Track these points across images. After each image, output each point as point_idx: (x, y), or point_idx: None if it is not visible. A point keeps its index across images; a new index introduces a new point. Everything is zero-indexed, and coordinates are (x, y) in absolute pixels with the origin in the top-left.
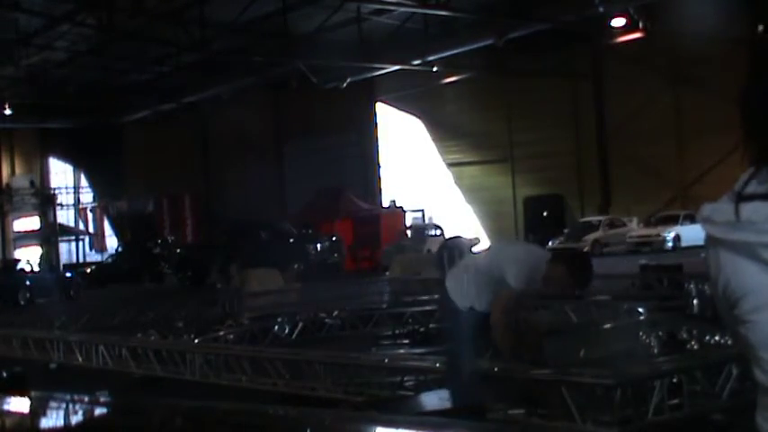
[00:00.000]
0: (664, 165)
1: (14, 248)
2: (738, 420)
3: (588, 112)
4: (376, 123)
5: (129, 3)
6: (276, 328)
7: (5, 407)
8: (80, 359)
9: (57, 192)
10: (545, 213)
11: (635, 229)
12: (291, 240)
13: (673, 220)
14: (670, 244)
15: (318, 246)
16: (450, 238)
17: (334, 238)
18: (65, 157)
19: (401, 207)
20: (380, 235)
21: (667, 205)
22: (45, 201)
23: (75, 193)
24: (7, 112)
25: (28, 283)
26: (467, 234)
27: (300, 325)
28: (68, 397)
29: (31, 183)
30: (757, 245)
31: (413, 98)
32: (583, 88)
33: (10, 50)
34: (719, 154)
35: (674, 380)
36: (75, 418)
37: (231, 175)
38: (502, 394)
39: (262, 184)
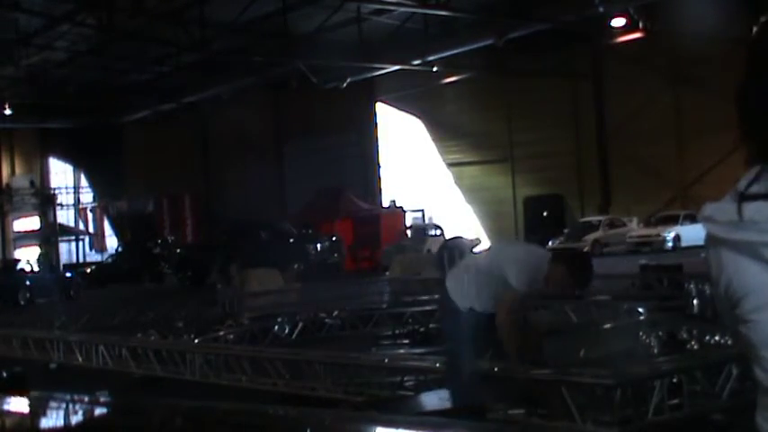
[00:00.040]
0: (664, 165)
1: (14, 248)
2: (738, 420)
3: (588, 112)
4: (376, 123)
5: (129, 3)
6: (276, 328)
7: (5, 407)
8: (80, 359)
9: (57, 192)
10: (545, 213)
11: (635, 229)
12: (291, 240)
13: (673, 220)
14: (670, 244)
15: (318, 246)
16: (451, 239)
17: (334, 238)
18: (65, 157)
19: (401, 207)
20: (380, 235)
21: (667, 205)
22: (45, 201)
23: (75, 193)
24: (7, 112)
25: (28, 283)
26: (467, 234)
27: (300, 325)
28: (68, 397)
29: (31, 183)
30: (759, 244)
31: (413, 98)
32: (583, 88)
33: (10, 50)
34: (719, 154)
35: (674, 380)
36: (75, 418)
37: (231, 175)
38: (502, 394)
39: (262, 184)
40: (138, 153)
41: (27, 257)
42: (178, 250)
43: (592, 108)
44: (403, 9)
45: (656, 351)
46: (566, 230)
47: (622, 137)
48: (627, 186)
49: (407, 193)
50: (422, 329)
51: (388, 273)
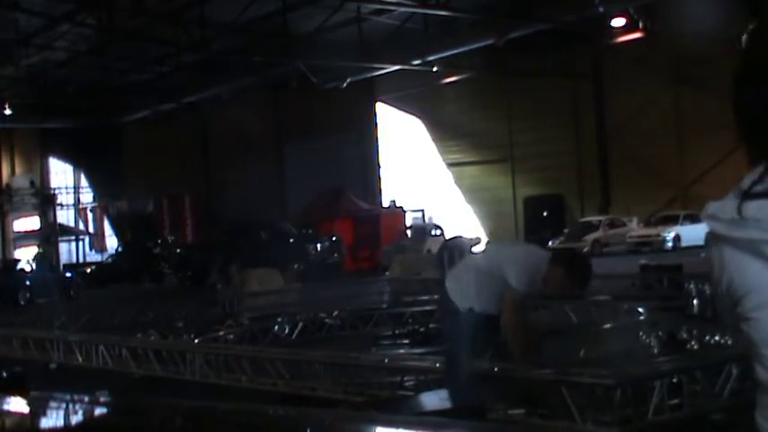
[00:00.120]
0: (664, 165)
1: (14, 248)
2: (738, 420)
3: (588, 112)
4: (376, 123)
5: (129, 3)
6: (276, 328)
7: (5, 407)
8: (80, 359)
9: (57, 192)
10: (545, 213)
11: (635, 229)
12: (291, 240)
13: (673, 220)
14: (670, 244)
15: (318, 246)
16: (451, 239)
17: (334, 238)
18: (65, 157)
19: (401, 207)
20: (380, 235)
21: (667, 205)
22: (45, 201)
23: (75, 193)
24: (7, 112)
25: (28, 283)
26: (467, 234)
27: (300, 325)
28: (68, 397)
29: (31, 183)
30: (762, 242)
31: (413, 98)
32: (583, 88)
33: (10, 50)
34: (719, 154)
35: (674, 380)
36: (75, 418)
37: (231, 175)
38: (502, 394)
39: (262, 184)
40: (138, 153)
41: (27, 257)
42: (178, 250)
43: (592, 108)
44: (403, 9)
45: (656, 351)
46: (566, 230)
47: (622, 137)
48: (627, 186)
49: (407, 193)
50: (422, 329)
51: (388, 273)
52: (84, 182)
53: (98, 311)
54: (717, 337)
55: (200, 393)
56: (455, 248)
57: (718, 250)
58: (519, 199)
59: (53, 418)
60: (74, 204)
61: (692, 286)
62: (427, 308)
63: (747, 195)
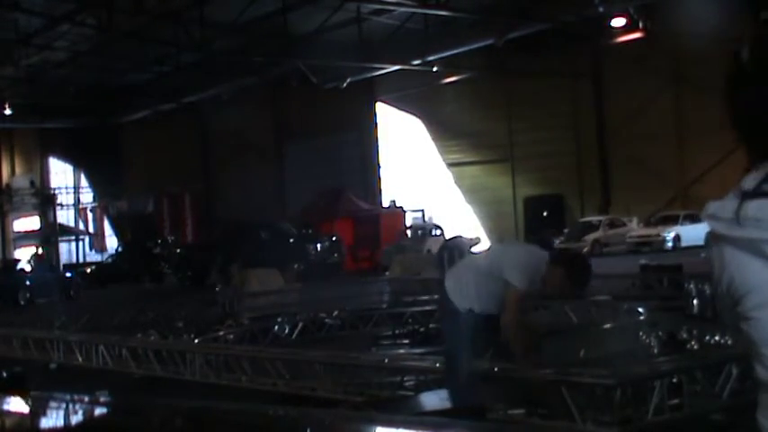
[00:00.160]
0: (664, 165)
1: (14, 248)
2: (738, 420)
3: (588, 112)
4: (376, 123)
5: (129, 3)
6: (276, 328)
7: (5, 407)
8: (80, 359)
9: (57, 192)
10: (545, 213)
11: (635, 229)
12: (291, 240)
13: (673, 220)
14: (670, 244)
15: (318, 246)
16: (451, 239)
17: (334, 238)
18: (65, 157)
19: (401, 207)
20: (380, 235)
21: (667, 205)
22: (45, 201)
23: (75, 193)
24: (7, 112)
25: (28, 283)
26: (467, 234)
27: (300, 325)
28: (68, 397)
29: (31, 183)
30: (762, 241)
31: (413, 98)
32: (583, 88)
33: (10, 50)
34: (719, 154)
35: (674, 380)
36: (75, 418)
37: (231, 175)
38: (502, 394)
39: (262, 183)
40: (138, 153)
41: (27, 257)
42: (178, 250)
43: (592, 108)
44: (403, 9)
45: (656, 351)
46: (566, 230)
47: (622, 137)
48: (627, 186)
49: (407, 193)
50: (422, 329)
51: (388, 273)
52: (84, 182)
53: (98, 311)
54: (717, 337)
55: (201, 393)
56: (455, 248)
57: (719, 250)
58: (519, 199)
59: (53, 418)
60: (74, 204)
61: (691, 286)
62: (427, 308)
63: (748, 195)
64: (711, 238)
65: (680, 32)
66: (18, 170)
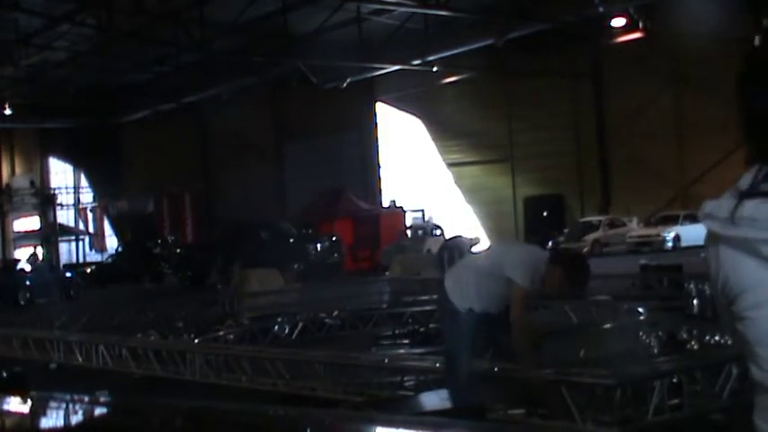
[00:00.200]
0: (664, 165)
1: (14, 248)
2: (738, 420)
3: (588, 112)
4: (376, 123)
5: (129, 3)
6: (276, 328)
7: (5, 407)
8: (80, 359)
9: (57, 192)
10: (545, 213)
11: (635, 229)
12: (291, 240)
13: (673, 220)
14: (670, 244)
15: (318, 246)
16: (451, 239)
17: (334, 238)
18: (65, 157)
19: (401, 207)
20: (380, 235)
21: (667, 205)
22: (45, 201)
23: (75, 193)
24: (7, 112)
25: (28, 283)
26: (467, 234)
27: (300, 325)
28: (68, 397)
29: (31, 183)
30: (757, 241)
31: (413, 98)
32: (583, 88)
33: (10, 50)
34: (719, 154)
35: (674, 380)
36: (75, 418)
37: (231, 175)
38: (502, 394)
39: (262, 183)
40: (138, 153)
41: (26, 257)
42: (178, 250)
43: (592, 108)
44: (403, 9)
45: (656, 351)
46: (566, 230)
47: (622, 137)
48: (627, 186)
49: (407, 193)
50: (422, 329)
51: (388, 273)
52: (84, 182)
53: (98, 311)
54: (717, 337)
55: (201, 393)
56: (455, 248)
57: (715, 249)
58: (519, 199)
59: (53, 418)
60: (74, 204)
61: (691, 286)
62: (427, 308)
63: (744, 195)
64: (707, 237)
65: (680, 32)
66: (18, 170)
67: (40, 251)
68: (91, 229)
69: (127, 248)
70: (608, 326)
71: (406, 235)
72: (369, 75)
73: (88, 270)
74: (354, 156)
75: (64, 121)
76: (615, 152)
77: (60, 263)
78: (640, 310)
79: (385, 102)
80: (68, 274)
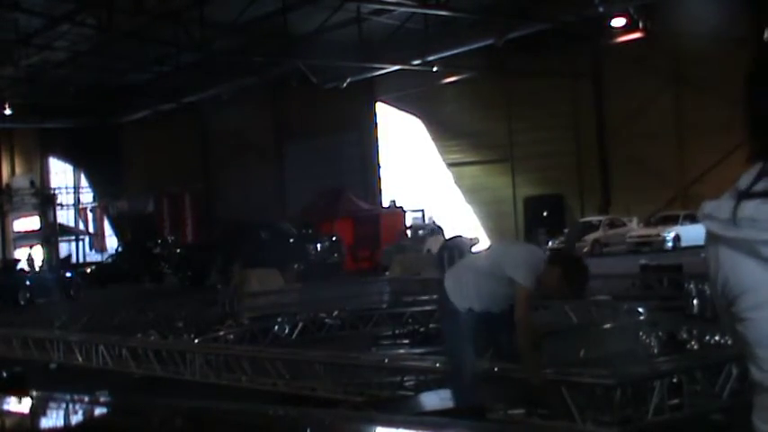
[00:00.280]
0: (664, 165)
1: (14, 248)
2: (738, 420)
3: (588, 112)
4: (376, 123)
5: (129, 3)
6: (276, 328)
7: (5, 407)
8: (80, 359)
9: (57, 192)
10: (545, 213)
11: (635, 229)
12: (291, 240)
13: (673, 220)
14: (670, 244)
15: (318, 246)
16: (451, 238)
17: (334, 238)
18: (65, 157)
19: (401, 207)
20: (380, 235)
21: (667, 205)
22: (45, 201)
23: (75, 193)
24: (7, 112)
25: (28, 283)
26: (467, 234)
27: (300, 325)
28: (68, 397)
29: (31, 183)
30: (757, 242)
31: (413, 98)
32: (583, 88)
33: (10, 50)
34: (719, 154)
35: (674, 380)
36: (75, 418)
37: (231, 175)
38: (502, 394)
39: (262, 183)
40: (138, 153)
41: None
42: (178, 250)
43: (592, 108)
44: (403, 9)
45: (656, 351)
46: (566, 230)
47: (622, 137)
48: (627, 186)
49: (407, 193)
50: (422, 329)
51: (388, 273)
52: (84, 182)
53: (98, 311)
54: (717, 337)
55: (200, 393)
56: (455, 248)
57: (714, 250)
58: (519, 199)
59: (53, 418)
60: (74, 204)
61: (691, 286)
62: (427, 308)
63: (744, 195)
64: (707, 237)
65: (680, 32)
66: (18, 170)
67: (36, 253)
68: (91, 229)
69: (127, 248)
70: (608, 326)
71: (406, 235)
72: (369, 75)
73: (88, 270)
74: (354, 156)
75: (64, 121)
76: (615, 152)
77: (60, 262)
78: (640, 310)
79: (385, 102)
80: (68, 274)
